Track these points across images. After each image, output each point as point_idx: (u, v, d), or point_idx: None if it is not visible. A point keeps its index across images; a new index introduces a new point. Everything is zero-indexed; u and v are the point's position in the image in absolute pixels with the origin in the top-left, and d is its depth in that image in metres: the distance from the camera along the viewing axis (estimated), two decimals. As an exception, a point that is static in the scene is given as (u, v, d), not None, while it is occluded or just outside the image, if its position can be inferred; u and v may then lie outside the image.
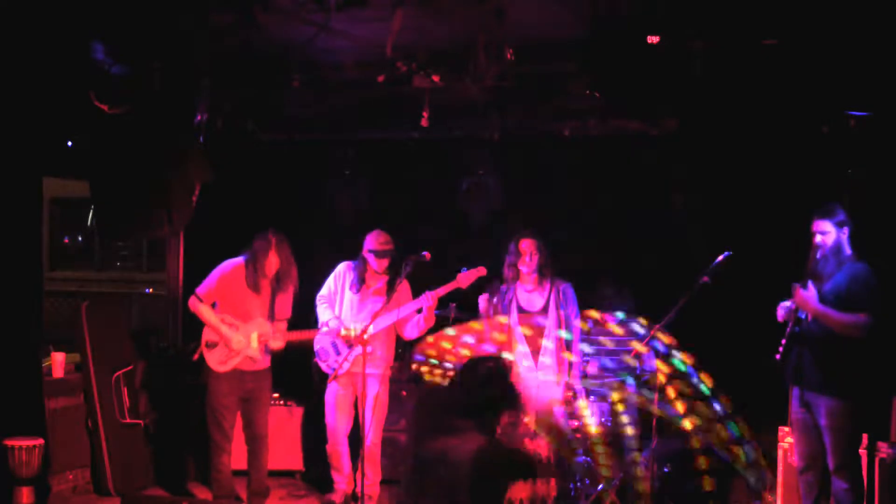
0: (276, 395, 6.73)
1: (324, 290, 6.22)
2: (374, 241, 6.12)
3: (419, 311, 6.01)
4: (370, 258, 6.10)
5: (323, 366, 6.17)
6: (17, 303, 5.92)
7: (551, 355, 5.60)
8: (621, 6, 4.93)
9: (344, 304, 6.11)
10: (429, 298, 5.91)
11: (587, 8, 4.84)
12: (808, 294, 4.92)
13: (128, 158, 6.39)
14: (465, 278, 5.91)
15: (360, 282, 6.11)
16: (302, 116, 7.29)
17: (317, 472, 6.85)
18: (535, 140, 7.12)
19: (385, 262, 6.08)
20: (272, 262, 5.80)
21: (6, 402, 5.82)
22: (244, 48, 5.50)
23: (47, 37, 5.22)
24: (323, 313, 6.16)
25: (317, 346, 6.18)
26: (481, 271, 5.93)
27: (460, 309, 6.52)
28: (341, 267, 6.24)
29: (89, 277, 11.67)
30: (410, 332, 6.11)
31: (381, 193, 7.42)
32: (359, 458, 5.87)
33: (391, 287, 5.98)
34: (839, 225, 4.94)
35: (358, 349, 5.86)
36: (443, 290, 5.93)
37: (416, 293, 6.06)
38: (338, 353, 6.07)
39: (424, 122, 6.35)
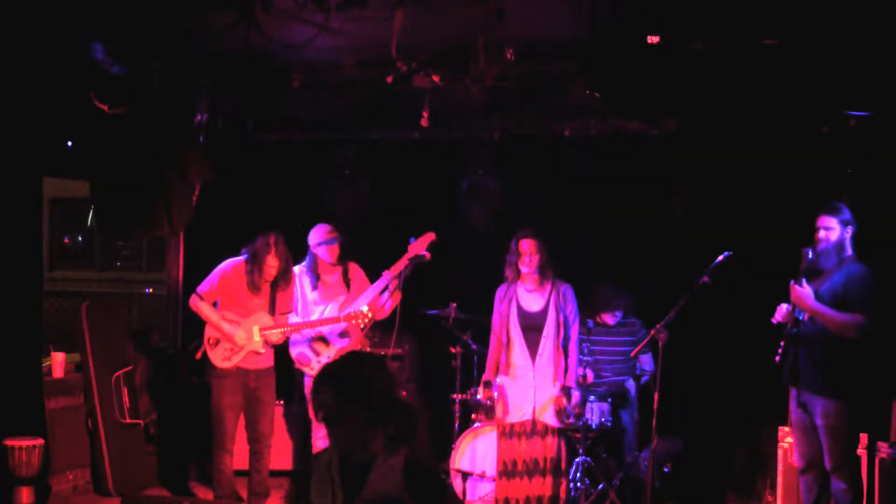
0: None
1: None
2: (320, 233, 6.15)
3: (383, 291, 6.03)
4: (321, 251, 6.12)
5: (306, 370, 6.16)
6: (17, 303, 5.92)
7: (549, 356, 5.59)
8: (621, 6, 4.93)
9: (308, 307, 6.12)
10: (388, 276, 5.96)
11: (587, 8, 4.83)
12: (804, 292, 4.92)
13: (128, 158, 6.40)
14: (417, 247, 5.94)
15: (316, 278, 6.12)
16: (302, 116, 7.29)
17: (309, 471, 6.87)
18: (535, 140, 7.12)
19: (336, 250, 6.12)
20: (272, 264, 5.81)
21: (6, 402, 5.83)
22: (244, 48, 5.49)
23: (47, 37, 5.22)
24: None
25: (294, 354, 6.18)
26: (430, 236, 5.96)
27: (461, 309, 6.52)
28: (294, 271, 6.24)
29: (89, 277, 11.67)
30: (382, 313, 6.12)
31: (381, 193, 7.42)
32: None
33: (344, 278, 6.11)
34: (844, 223, 4.94)
35: (338, 346, 5.87)
36: (400, 265, 5.96)
37: (373, 277, 6.12)
38: (318, 356, 6.10)
39: (424, 122, 6.35)
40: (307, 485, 6.60)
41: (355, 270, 6.22)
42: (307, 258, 6.21)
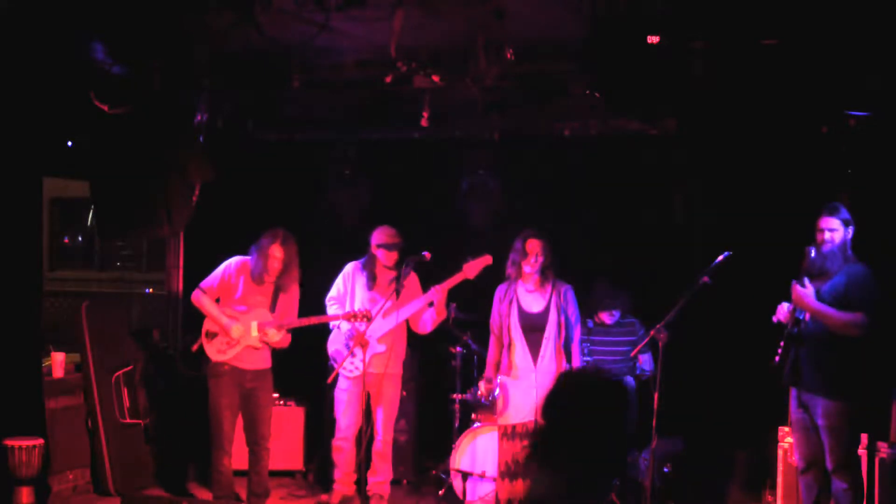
0: (275, 394, 6.72)
1: (333, 292, 6.19)
2: (382, 235, 6.12)
3: (430, 304, 6.01)
4: (380, 253, 6.09)
5: (339, 369, 6.10)
6: (17, 303, 5.92)
7: (551, 356, 5.59)
8: (621, 6, 4.93)
9: (356, 304, 6.08)
10: (438, 291, 5.92)
11: (587, 8, 4.84)
12: (805, 292, 4.92)
13: (128, 158, 6.40)
14: (471, 268, 5.90)
15: (372, 279, 6.10)
16: (302, 116, 7.29)
17: (317, 471, 6.87)
18: (535, 140, 7.12)
19: (395, 256, 6.09)
20: (276, 254, 5.78)
21: (6, 402, 5.83)
22: (244, 48, 5.50)
23: (47, 37, 5.22)
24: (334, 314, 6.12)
25: (331, 350, 6.14)
26: (487, 260, 5.92)
27: (461, 309, 6.52)
28: (349, 267, 6.22)
29: (89, 277, 11.67)
30: (424, 327, 6.12)
31: (381, 193, 7.42)
32: (369, 456, 5.90)
33: (397, 284, 6.02)
34: (845, 223, 4.95)
35: (376, 349, 5.86)
36: (451, 282, 5.93)
37: (424, 288, 6.08)
38: (353, 355, 6.01)
39: (424, 122, 6.36)
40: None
41: (410, 279, 6.12)
42: (365, 257, 6.18)
